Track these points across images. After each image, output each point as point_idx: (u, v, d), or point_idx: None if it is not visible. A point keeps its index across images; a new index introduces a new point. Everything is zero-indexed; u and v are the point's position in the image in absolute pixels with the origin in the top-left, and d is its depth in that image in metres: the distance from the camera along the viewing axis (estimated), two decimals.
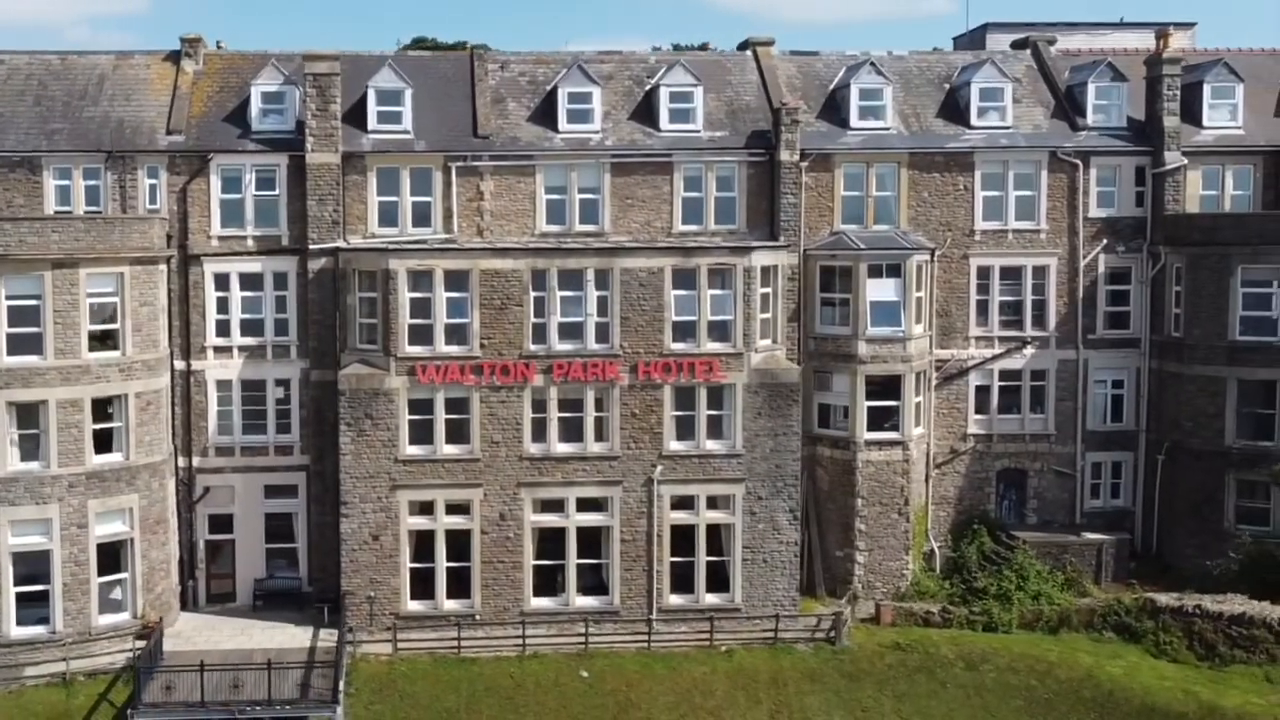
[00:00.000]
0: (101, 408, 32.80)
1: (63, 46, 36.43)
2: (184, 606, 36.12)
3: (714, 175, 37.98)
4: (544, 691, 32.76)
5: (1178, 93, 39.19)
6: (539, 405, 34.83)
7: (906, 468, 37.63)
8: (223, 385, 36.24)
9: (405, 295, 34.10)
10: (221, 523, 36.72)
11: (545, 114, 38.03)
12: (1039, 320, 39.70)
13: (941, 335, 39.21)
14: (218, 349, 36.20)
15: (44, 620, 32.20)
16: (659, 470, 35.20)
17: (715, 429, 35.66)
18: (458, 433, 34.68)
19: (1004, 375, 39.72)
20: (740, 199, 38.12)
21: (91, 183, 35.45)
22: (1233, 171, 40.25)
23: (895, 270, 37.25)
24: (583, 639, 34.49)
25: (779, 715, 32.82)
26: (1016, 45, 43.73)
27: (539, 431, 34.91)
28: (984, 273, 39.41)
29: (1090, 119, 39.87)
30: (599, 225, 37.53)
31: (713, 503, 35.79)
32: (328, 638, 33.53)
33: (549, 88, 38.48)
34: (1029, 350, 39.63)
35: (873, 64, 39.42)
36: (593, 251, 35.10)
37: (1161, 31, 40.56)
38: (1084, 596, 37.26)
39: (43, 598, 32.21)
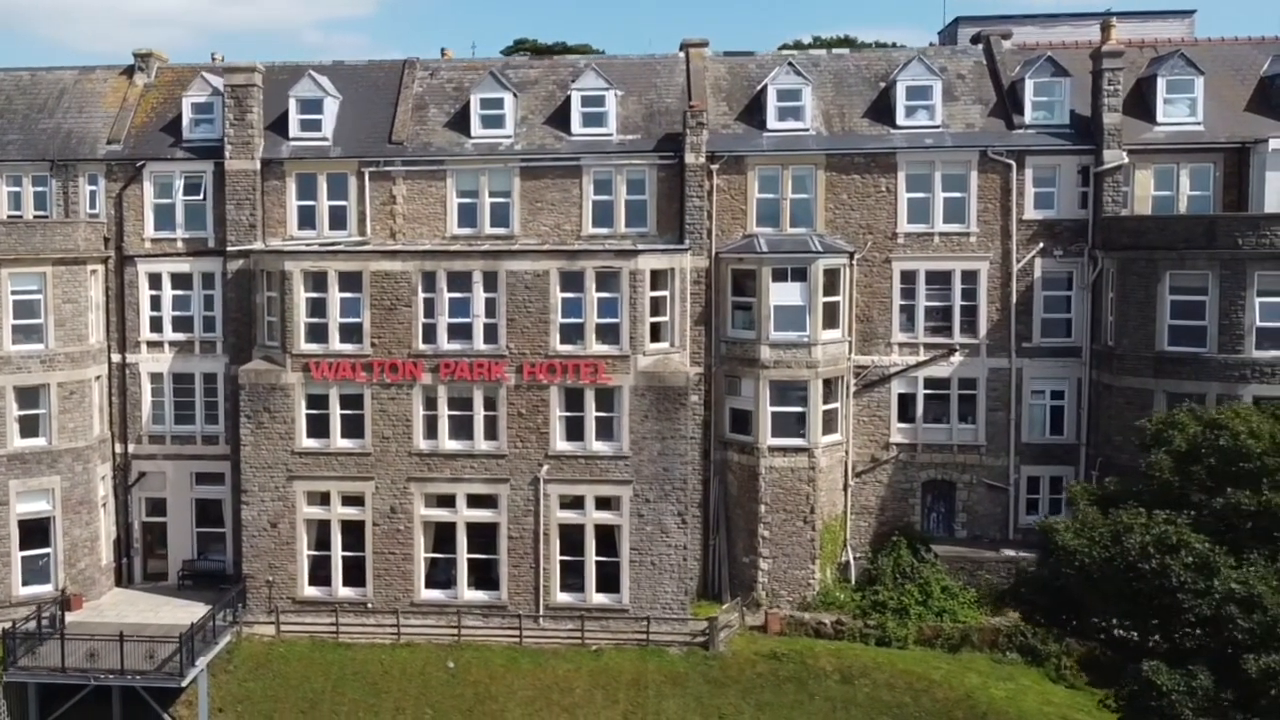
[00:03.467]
0: (27, 395, 35.78)
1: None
2: (120, 583, 38.98)
3: (624, 179, 38.22)
4: (408, 679, 33.90)
5: (1119, 87, 37.08)
6: (429, 403, 35.97)
7: (812, 475, 36.97)
8: (155, 378, 38.86)
9: (301, 295, 35.81)
10: (156, 506, 39.37)
11: (461, 120, 39.10)
12: (969, 327, 38.21)
13: (862, 341, 38.27)
14: (151, 344, 38.85)
15: None
16: (545, 469, 35.79)
17: (605, 431, 35.96)
18: (351, 427, 36.15)
19: (930, 383, 38.44)
20: (651, 202, 38.24)
21: (40, 189, 38.67)
22: (1189, 170, 37.77)
23: (800, 274, 36.64)
24: (473, 631, 35.47)
25: (633, 716, 32.97)
26: (975, 40, 42.13)
27: (429, 428, 36.03)
28: (908, 277, 38.23)
29: (1029, 116, 38.16)
30: (509, 228, 38.35)
31: (604, 504, 36.06)
32: (226, 617, 35.49)
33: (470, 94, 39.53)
34: (956, 358, 38.22)
35: (791, 64, 38.83)
36: (479, 254, 35.99)
37: (1105, 22, 38.57)
38: (997, 615, 35.82)
39: None
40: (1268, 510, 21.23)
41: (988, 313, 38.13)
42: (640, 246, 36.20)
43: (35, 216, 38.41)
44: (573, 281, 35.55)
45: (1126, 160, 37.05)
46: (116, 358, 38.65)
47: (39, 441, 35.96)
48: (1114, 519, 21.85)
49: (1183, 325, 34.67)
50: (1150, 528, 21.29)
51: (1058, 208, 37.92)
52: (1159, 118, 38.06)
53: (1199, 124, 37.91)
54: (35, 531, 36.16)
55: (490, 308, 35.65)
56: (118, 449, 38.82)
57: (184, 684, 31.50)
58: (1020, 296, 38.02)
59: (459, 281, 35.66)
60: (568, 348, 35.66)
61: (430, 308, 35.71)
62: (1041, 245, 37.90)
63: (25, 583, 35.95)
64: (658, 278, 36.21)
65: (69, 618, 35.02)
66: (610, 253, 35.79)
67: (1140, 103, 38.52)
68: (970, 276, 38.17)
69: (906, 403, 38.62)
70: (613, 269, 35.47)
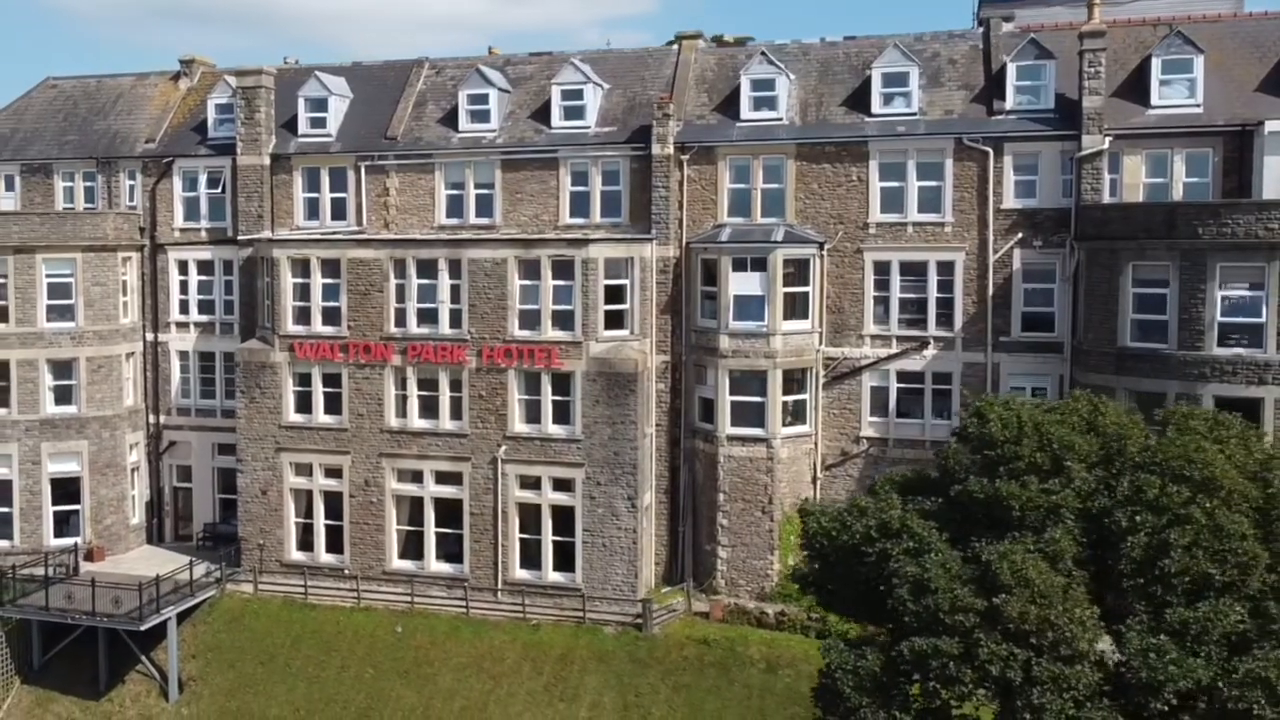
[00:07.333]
0: (59, 368, 40.17)
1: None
2: (151, 541, 43.06)
3: (600, 170, 39.20)
4: (358, 640, 36.17)
5: (1100, 69, 35.18)
6: (400, 383, 38.10)
7: (771, 466, 36.93)
8: (182, 355, 42.78)
9: (288, 280, 38.64)
10: (185, 473, 43.26)
11: (452, 116, 41.04)
12: (945, 320, 37.17)
13: (833, 333, 37.86)
14: (179, 324, 42.78)
15: (8, 536, 40.05)
16: (503, 450, 37.28)
17: (561, 415, 37.11)
18: (331, 404, 38.72)
19: (904, 377, 37.59)
20: (625, 192, 39.05)
21: (89, 184, 43.17)
22: (1185, 156, 35.43)
23: (760, 264, 36.66)
24: (430, 600, 37.43)
25: (554, 687, 34.09)
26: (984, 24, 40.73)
27: (400, 407, 38.17)
28: (881, 268, 37.50)
29: (1011, 101, 36.73)
30: (492, 218, 40.04)
31: (562, 485, 37.21)
32: (212, 574, 38.63)
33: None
34: (930, 351, 37.24)
35: (764, 54, 38.73)
36: (443, 243, 37.81)
37: (1090, 0, 36.46)
38: None
39: (8, 519, 40.12)
40: (996, 499, 20.35)
41: (964, 305, 36.97)
42: (593, 236, 37.14)
43: (85, 209, 42.95)
44: (530, 269, 36.88)
45: (1106, 146, 35.14)
46: (150, 336, 42.75)
47: (70, 409, 40.30)
48: (852, 503, 21.47)
49: (1145, 320, 32.75)
50: (881, 512, 20.80)
51: (1039, 196, 36.36)
52: (1154, 100, 35.88)
53: (1197, 106, 35.50)
54: (66, 490, 40.51)
55: (455, 294, 37.44)
56: (151, 419, 42.91)
57: (143, 628, 34.77)
58: (998, 289, 36.69)
59: (426, 269, 37.62)
60: (525, 333, 37.02)
61: (401, 293, 37.82)
62: (1021, 235, 36.43)
63: (56, 535, 40.36)
64: (617, 266, 37.04)
65: (87, 567, 39.23)
66: (563, 242, 36.91)
67: (1140, 85, 36.46)
68: (946, 268, 37.09)
69: (879, 396, 37.93)
70: (567, 258, 36.57)
